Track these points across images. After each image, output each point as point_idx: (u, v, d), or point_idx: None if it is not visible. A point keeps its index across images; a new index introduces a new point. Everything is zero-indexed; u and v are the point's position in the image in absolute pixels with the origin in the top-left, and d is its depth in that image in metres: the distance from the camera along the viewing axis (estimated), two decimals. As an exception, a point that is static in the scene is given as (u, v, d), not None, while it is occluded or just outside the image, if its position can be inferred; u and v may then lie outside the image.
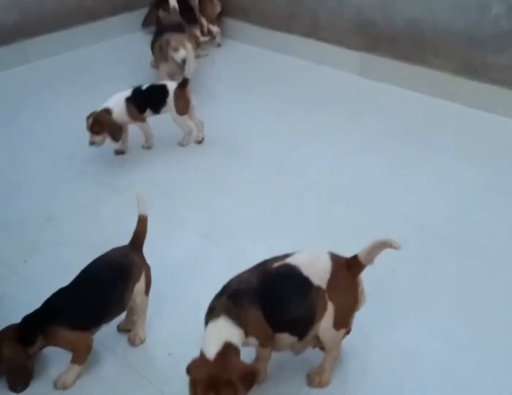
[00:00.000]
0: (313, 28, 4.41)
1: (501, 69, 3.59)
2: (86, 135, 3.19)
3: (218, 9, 4.77)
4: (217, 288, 2.41)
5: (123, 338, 2.20)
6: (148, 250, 2.61)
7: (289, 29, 4.51)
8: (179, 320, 2.28)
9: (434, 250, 2.58)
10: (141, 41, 5.02)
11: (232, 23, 4.89)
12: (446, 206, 2.86)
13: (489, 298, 2.35)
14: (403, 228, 2.70)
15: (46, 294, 2.31)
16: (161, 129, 3.47)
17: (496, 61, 3.60)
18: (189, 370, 1.69)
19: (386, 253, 2.53)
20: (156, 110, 3.33)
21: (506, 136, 3.47)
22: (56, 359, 2.11)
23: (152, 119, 3.40)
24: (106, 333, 2.21)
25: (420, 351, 2.11)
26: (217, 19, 4.84)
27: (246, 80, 4.24)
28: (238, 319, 1.75)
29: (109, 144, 3.25)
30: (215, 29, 4.84)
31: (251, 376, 1.69)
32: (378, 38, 4.10)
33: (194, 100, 3.37)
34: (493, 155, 3.28)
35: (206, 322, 1.80)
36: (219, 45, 4.82)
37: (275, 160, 3.30)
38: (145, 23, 5.09)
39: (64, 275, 2.46)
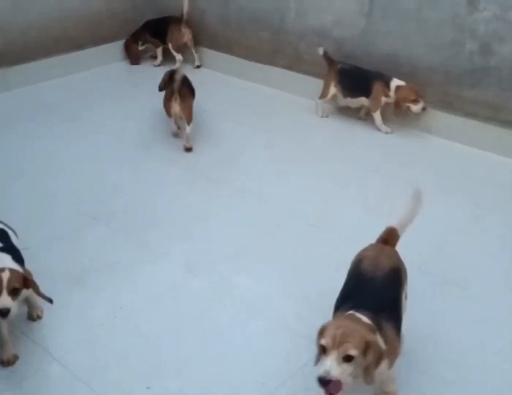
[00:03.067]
0: (295, 61, 4.51)
1: (475, 103, 3.69)
2: (67, 162, 3.11)
3: (186, 37, 4.86)
4: (198, 321, 2.40)
5: (103, 372, 2.16)
6: (129, 282, 2.61)
7: (272, 62, 4.59)
8: (158, 353, 2.25)
9: (415, 281, 2.59)
10: (123, 71, 5.07)
11: (217, 55, 4.96)
12: (428, 238, 2.89)
13: (469, 329, 2.37)
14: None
15: (18, 327, 2.26)
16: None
17: (471, 95, 3.71)
18: None
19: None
20: None
21: (483, 168, 3.54)
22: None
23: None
24: (81, 365, 2.17)
25: (400, 382, 2.11)
26: (187, 47, 4.95)
27: (233, 112, 4.28)
28: None
29: (98, 172, 3.20)
30: (178, 57, 4.93)
31: None
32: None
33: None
34: (471, 187, 3.34)
35: None
36: (198, 66, 4.98)
37: (259, 190, 3.32)
38: (133, 61, 5.12)
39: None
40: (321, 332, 1.78)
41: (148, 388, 2.10)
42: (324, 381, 1.69)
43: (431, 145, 3.81)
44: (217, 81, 4.80)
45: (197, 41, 5.01)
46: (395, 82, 3.84)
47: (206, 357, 2.24)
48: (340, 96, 4.07)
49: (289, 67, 4.54)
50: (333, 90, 4.06)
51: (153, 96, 4.53)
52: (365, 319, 1.83)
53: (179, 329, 2.36)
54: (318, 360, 1.80)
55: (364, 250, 2.15)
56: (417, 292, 2.54)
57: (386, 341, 1.82)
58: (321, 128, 4.05)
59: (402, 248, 2.17)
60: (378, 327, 1.83)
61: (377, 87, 3.89)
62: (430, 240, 2.87)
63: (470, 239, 2.90)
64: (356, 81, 3.99)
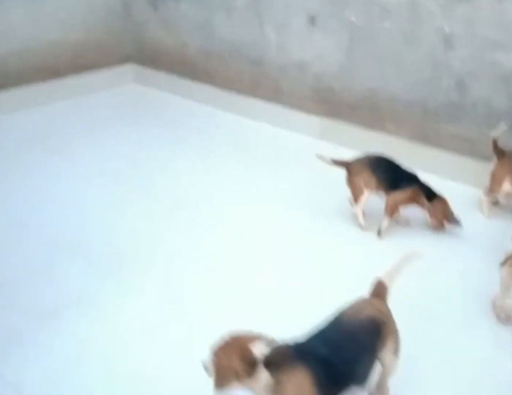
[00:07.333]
0: (275, 94, 4.56)
1: (451, 137, 3.77)
2: (45, 195, 3.06)
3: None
4: (176, 358, 2.34)
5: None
6: (102, 317, 2.54)
7: (253, 94, 4.63)
8: (132, 390, 2.18)
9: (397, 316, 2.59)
10: (105, 101, 5.05)
11: (198, 86, 5.00)
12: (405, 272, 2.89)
13: (448, 363, 2.36)
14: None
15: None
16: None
17: (447, 129, 3.78)
18: None
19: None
20: None
21: (459, 200, 3.58)
22: None
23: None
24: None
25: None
26: None
27: (214, 145, 4.28)
28: None
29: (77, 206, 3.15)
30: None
31: None
32: (337, 105, 4.26)
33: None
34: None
35: None
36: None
37: (242, 233, 3.29)
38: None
39: (11, 342, 2.37)
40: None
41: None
42: None
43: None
44: (198, 113, 4.83)
45: (178, 72, 5.05)
46: None
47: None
48: None
49: (270, 99, 4.59)
50: (507, 186, 3.31)
51: (137, 132, 4.50)
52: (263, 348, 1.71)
53: (156, 366, 2.30)
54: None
55: (354, 300, 2.04)
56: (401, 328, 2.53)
57: (277, 381, 1.69)
58: (301, 164, 4.02)
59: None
60: (280, 361, 1.71)
61: None
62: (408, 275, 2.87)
63: (446, 272, 2.92)
64: None
